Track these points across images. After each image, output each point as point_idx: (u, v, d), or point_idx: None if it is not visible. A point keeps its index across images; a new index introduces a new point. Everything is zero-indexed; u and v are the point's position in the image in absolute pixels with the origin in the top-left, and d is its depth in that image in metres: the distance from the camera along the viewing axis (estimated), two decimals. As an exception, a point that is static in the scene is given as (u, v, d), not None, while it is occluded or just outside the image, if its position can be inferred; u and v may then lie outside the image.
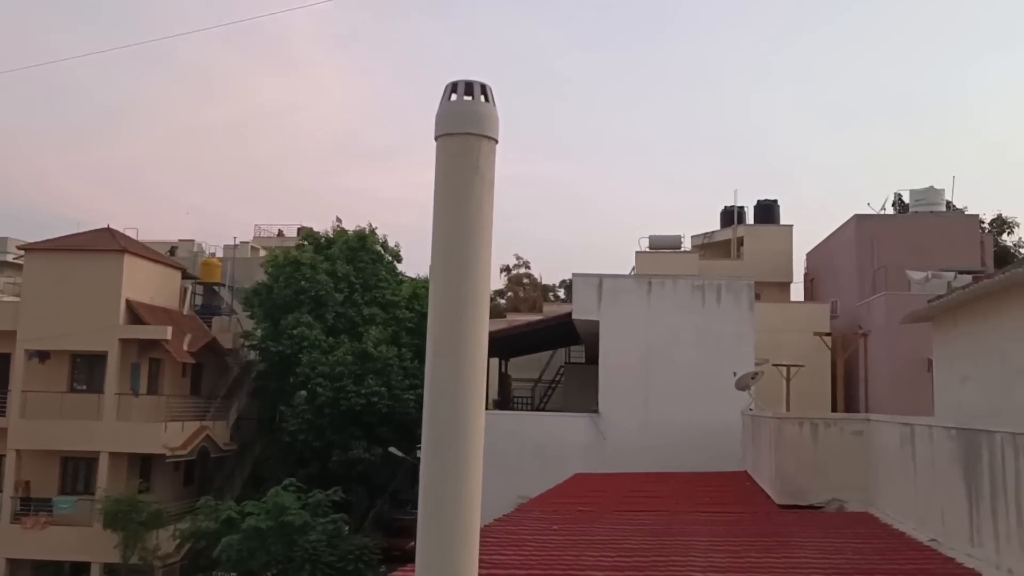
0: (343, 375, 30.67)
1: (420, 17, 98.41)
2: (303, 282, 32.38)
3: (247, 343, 34.64)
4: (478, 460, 2.47)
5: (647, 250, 33.66)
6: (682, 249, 34.72)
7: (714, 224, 37.76)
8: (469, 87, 2.61)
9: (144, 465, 30.23)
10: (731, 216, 35.75)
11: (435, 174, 2.59)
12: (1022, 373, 9.46)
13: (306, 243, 35.53)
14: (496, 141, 2.63)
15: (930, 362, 14.98)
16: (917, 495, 9.50)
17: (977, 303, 11.88)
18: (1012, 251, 35.28)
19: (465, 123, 2.58)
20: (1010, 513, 6.77)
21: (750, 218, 35.90)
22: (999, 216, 37.86)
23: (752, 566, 8.15)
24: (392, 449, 29.37)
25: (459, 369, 2.47)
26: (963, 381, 12.59)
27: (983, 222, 33.80)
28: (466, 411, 2.47)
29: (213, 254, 39.84)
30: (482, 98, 2.62)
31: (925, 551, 8.52)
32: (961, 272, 21.64)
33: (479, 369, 2.52)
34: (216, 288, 38.11)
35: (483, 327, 2.50)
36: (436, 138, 2.63)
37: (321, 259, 33.51)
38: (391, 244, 36.40)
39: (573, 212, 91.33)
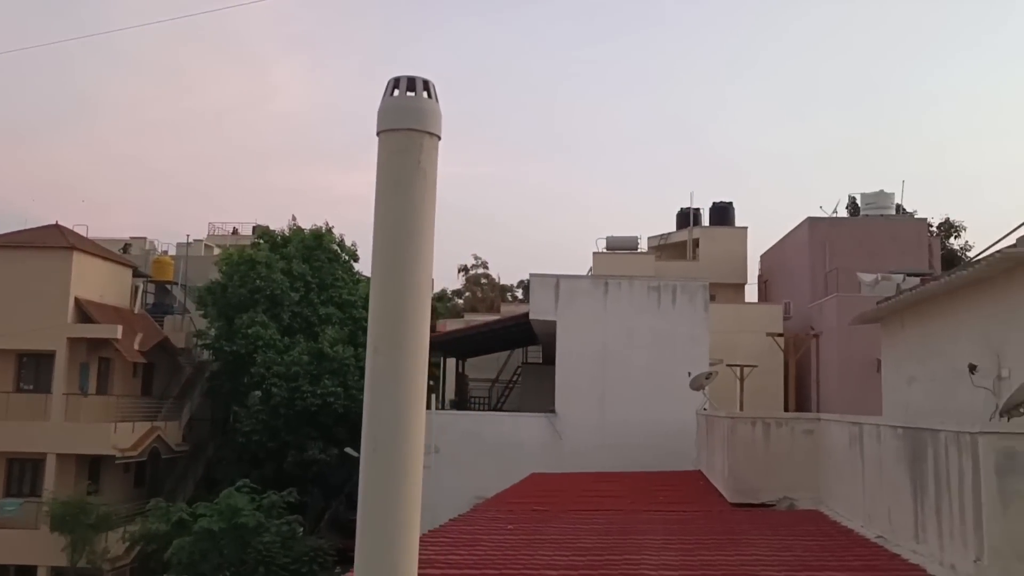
0: (299, 375, 30.40)
1: (380, 14, 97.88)
2: (258, 281, 32.01)
3: (200, 342, 34.15)
4: (418, 459, 2.44)
5: (604, 251, 33.86)
6: (639, 250, 35.01)
7: (670, 226, 38.13)
8: (411, 83, 2.58)
9: (93, 466, 29.62)
10: (687, 218, 36.12)
11: (376, 170, 2.56)
12: (965, 374, 9.67)
13: (261, 241, 35.13)
14: (439, 138, 2.60)
15: (879, 362, 15.27)
16: (865, 493, 9.67)
17: (923, 305, 12.14)
18: (959, 254, 36.13)
19: (407, 119, 2.55)
20: (953, 510, 6.92)
21: (706, 220, 36.30)
22: (947, 220, 38.83)
23: (704, 564, 8.24)
24: (348, 450, 29.15)
25: (400, 366, 2.44)
26: (910, 381, 12.85)
27: (931, 226, 34.60)
28: (406, 409, 2.44)
29: (166, 252, 39.21)
30: (425, 94, 2.59)
31: (872, 548, 8.67)
32: (909, 275, 22.09)
33: (420, 367, 2.49)
34: (168, 286, 37.51)
35: (424, 324, 2.48)
36: (378, 134, 2.59)
37: (277, 258, 33.17)
38: (348, 243, 36.18)
39: (531, 213, 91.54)
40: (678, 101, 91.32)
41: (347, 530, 30.51)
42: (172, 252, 39.11)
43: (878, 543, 8.75)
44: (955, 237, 38.74)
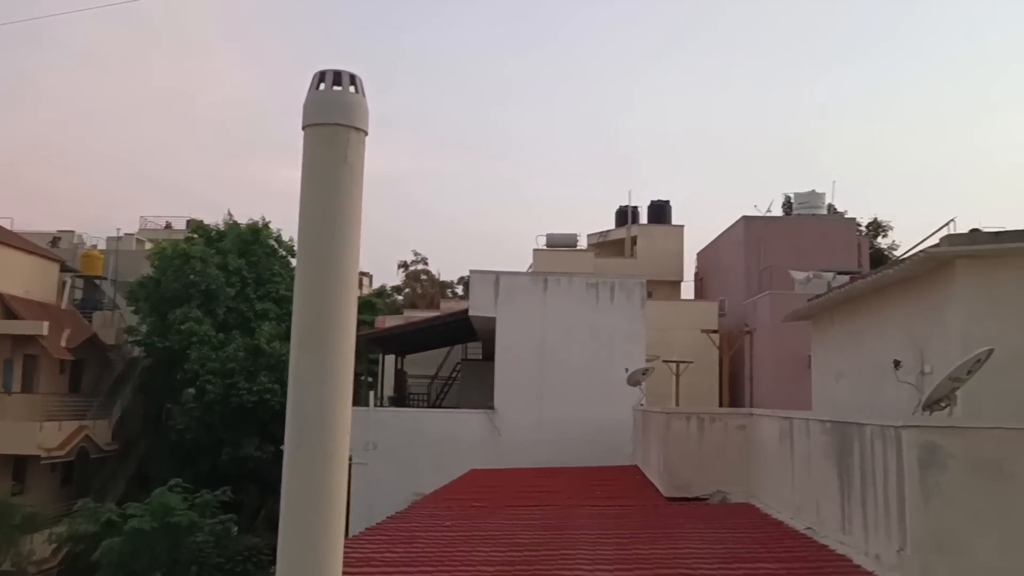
0: (234, 371, 29.93)
1: (320, 5, 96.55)
2: (192, 276, 31.39)
3: (131, 339, 33.37)
4: (343, 458, 2.40)
5: (544, 248, 34.02)
6: (578, 247, 35.24)
7: (609, 223, 38.48)
8: (338, 77, 2.53)
9: (18, 467, 28.70)
10: (625, 216, 36.50)
11: (302, 165, 2.51)
12: (891, 370, 9.96)
13: (196, 236, 34.46)
14: (366, 132, 2.56)
15: (810, 359, 15.63)
16: (794, 486, 9.90)
17: (851, 303, 12.46)
18: (886, 253, 37.24)
19: (333, 113, 2.50)
20: (878, 502, 7.12)
21: (644, 218, 36.74)
22: (875, 220, 40.02)
23: (639, 558, 8.33)
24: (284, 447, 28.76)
25: (325, 364, 2.40)
26: (838, 377, 13.18)
27: (860, 225, 35.58)
28: (331, 408, 2.40)
29: (95, 246, 38.18)
30: (351, 88, 2.55)
31: (801, 539, 8.88)
32: (839, 273, 22.68)
33: (346, 365, 2.45)
34: (97, 282, 36.55)
35: (350, 322, 2.44)
36: (304, 128, 2.54)
37: (212, 252, 32.57)
38: (286, 238, 35.71)
39: (472, 209, 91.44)
40: (616, 99, 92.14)
41: (284, 528, 30.09)
42: (102, 246, 38.10)
43: (807, 535, 8.96)
44: (883, 236, 39.96)
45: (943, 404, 7.41)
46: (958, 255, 8.77)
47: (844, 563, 7.59)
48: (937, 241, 9.24)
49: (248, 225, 34.81)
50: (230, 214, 36.09)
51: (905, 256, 12.67)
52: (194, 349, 30.34)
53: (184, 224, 40.97)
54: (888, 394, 10.20)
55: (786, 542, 8.86)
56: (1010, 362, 7.82)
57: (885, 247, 38.86)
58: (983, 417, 7.37)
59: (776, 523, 10.06)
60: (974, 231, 11.32)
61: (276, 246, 35.26)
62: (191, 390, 30.17)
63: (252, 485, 30.66)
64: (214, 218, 37.05)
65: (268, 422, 30.17)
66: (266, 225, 35.13)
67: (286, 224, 37.16)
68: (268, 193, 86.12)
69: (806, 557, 8.04)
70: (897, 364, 9.68)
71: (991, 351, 7.31)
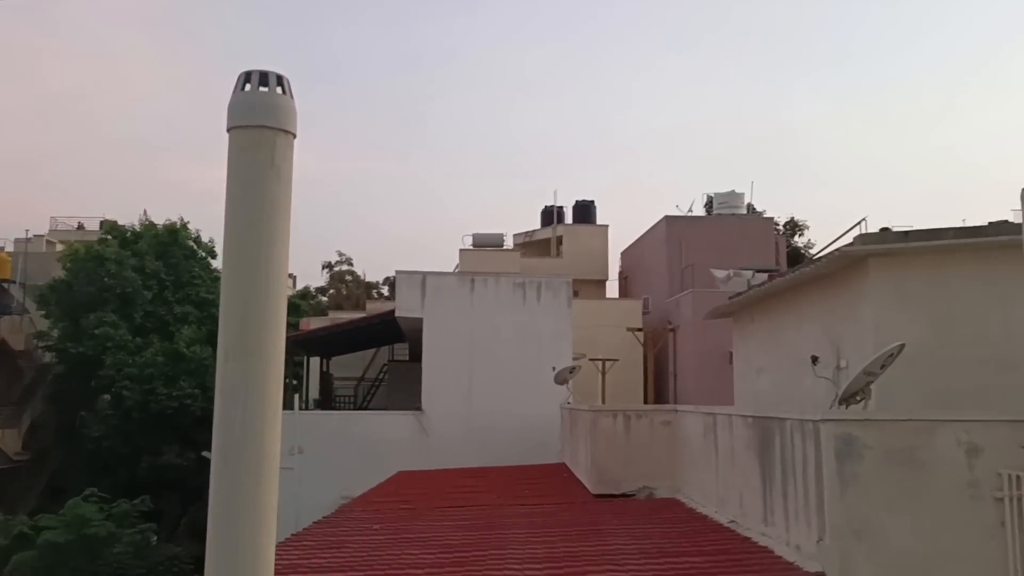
0: (153, 377, 29.09)
1: (241, 3, 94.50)
2: (107, 279, 30.40)
3: (42, 344, 32.12)
4: (274, 473, 2.31)
5: (471, 248, 34.01)
6: (504, 247, 35.35)
7: (535, 223, 38.72)
8: (264, 77, 2.47)
9: (-81, 480, 27.36)
10: (551, 216, 36.76)
11: (227, 168, 2.43)
12: (808, 365, 10.27)
13: (110, 237, 33.38)
14: (294, 135, 2.49)
15: (731, 355, 15.99)
16: (718, 480, 10.12)
17: (770, 300, 12.81)
18: (802, 251, 38.41)
19: (260, 115, 2.44)
20: (798, 493, 7.34)
21: (569, 218, 37.07)
22: (792, 219, 41.27)
23: (568, 555, 8.40)
24: (206, 453, 28.07)
25: (253, 374, 2.33)
26: (759, 372, 13.53)
27: (778, 224, 36.60)
28: (261, 419, 2.33)
29: (2, 248, 36.65)
30: (278, 89, 2.48)
31: (724, 532, 9.09)
32: (758, 271, 23.24)
33: (275, 374, 2.39)
34: (5, 285, 35.07)
35: (280, 330, 2.37)
36: (228, 130, 2.47)
37: (128, 254, 31.60)
38: (205, 239, 34.87)
39: (398, 210, 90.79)
40: (540, 98, 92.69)
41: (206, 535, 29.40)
42: (9, 248, 36.58)
43: (730, 527, 9.17)
44: (799, 235, 41.24)
45: (859, 397, 7.68)
46: (870, 253, 9.09)
47: (766, 554, 7.79)
48: (851, 240, 9.56)
49: (165, 226, 33.89)
50: (146, 215, 35.11)
51: (821, 255, 13.07)
52: (109, 355, 29.40)
53: (97, 225, 39.65)
54: (806, 388, 10.51)
55: (710, 535, 9.05)
56: (919, 355, 8.14)
57: (801, 246, 40.10)
58: (895, 409, 7.66)
59: (701, 517, 10.27)
60: (884, 230, 11.76)
61: (195, 247, 34.40)
62: (107, 397, 29.22)
63: (173, 493, 29.88)
64: (129, 219, 35.98)
65: (189, 428, 29.42)
66: (184, 226, 34.25)
67: (206, 225, 36.36)
68: (186, 194, 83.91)
69: (730, 550, 8.23)
70: (815, 359, 9.99)
71: (903, 346, 7.61)
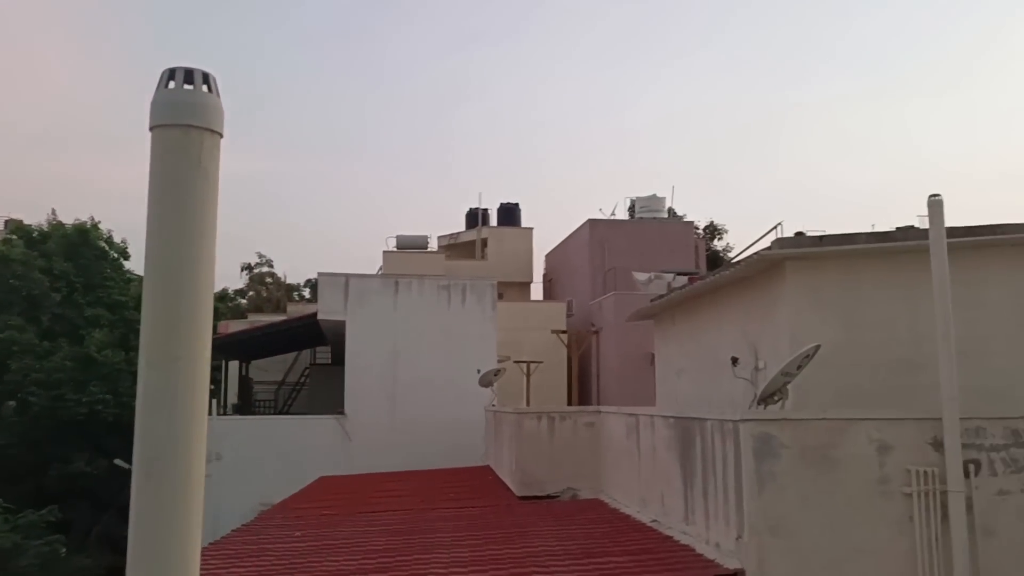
0: (62, 382, 28.00)
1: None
2: (12, 280, 29.14)
3: (-60, 349, 30.57)
4: (199, 485, 2.22)
5: (394, 250, 33.80)
6: (429, 249, 35.24)
7: (460, 225, 38.70)
8: (189, 75, 2.38)
9: None
10: (476, 218, 36.81)
11: (150, 169, 2.33)
12: (728, 366, 10.50)
13: (15, 237, 32.00)
14: (221, 135, 2.41)
15: (653, 356, 16.25)
16: (640, 480, 10.27)
17: (691, 303, 13.06)
18: (721, 255, 39.34)
19: (185, 114, 2.35)
20: (718, 492, 7.50)
21: (494, 220, 37.17)
22: (711, 223, 42.26)
23: (493, 558, 8.40)
24: (118, 461, 27.18)
25: (177, 382, 2.25)
26: (679, 373, 13.78)
27: (698, 228, 37.42)
28: (185, 429, 2.25)
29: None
30: (204, 88, 2.40)
31: (647, 531, 9.23)
32: (679, 274, 23.72)
33: (201, 382, 2.31)
34: (-99, 286, 33.21)
35: (206, 336, 2.28)
36: (151, 129, 2.37)
37: (35, 255, 30.35)
38: (117, 240, 33.75)
39: (320, 210, 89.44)
40: (465, 100, 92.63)
41: (119, 546, 28.33)
42: (-96, 248, 34.65)
43: (653, 527, 9.31)
44: (718, 239, 42.24)
45: (776, 398, 7.89)
46: (787, 257, 9.35)
47: (687, 552, 7.94)
48: (768, 244, 9.82)
49: (75, 226, 32.65)
50: (54, 214, 33.77)
51: (739, 258, 13.39)
52: (15, 359, 28.21)
53: (1, 224, 37.95)
54: (725, 389, 10.75)
55: (633, 535, 9.17)
56: (833, 356, 8.41)
57: (720, 249, 41.07)
58: (811, 408, 7.90)
59: (624, 517, 10.40)
60: (799, 234, 12.11)
61: (107, 248, 33.26)
62: (12, 403, 28.00)
63: (83, 502, 28.81)
64: (36, 218, 34.58)
65: (101, 435, 28.43)
66: (95, 226, 33.07)
67: (118, 225, 35.22)
68: (98, 193, 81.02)
69: (652, 548, 8.36)
70: (734, 361, 10.22)
71: (818, 347, 7.85)
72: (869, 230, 9.67)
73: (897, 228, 9.96)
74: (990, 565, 6.66)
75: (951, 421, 6.66)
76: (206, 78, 2.40)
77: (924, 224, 7.19)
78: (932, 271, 6.81)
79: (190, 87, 2.39)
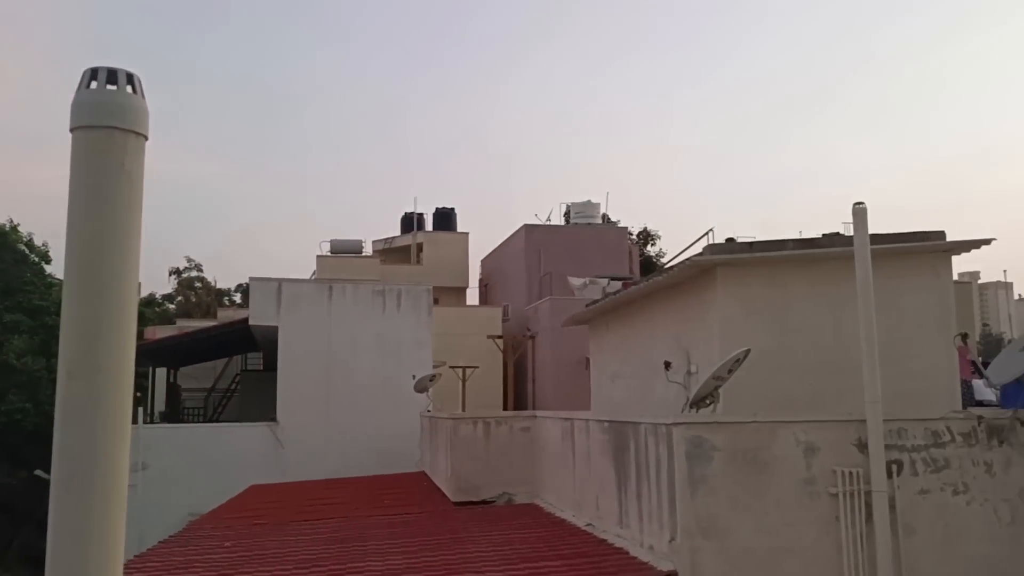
0: (-23, 391, 26.96)
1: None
2: (-75, 284, 27.95)
3: None
4: (121, 499, 2.14)
5: (328, 255, 33.42)
6: (363, 254, 34.94)
7: (395, 230, 38.46)
8: (113, 75, 2.30)
9: None
10: (411, 223, 36.63)
11: (71, 172, 2.24)
12: (661, 370, 10.64)
13: (-71, 239, 30.70)
14: (146, 138, 2.33)
15: (588, 361, 16.38)
16: (575, 484, 10.33)
17: (625, 307, 13.21)
18: (654, 260, 39.88)
19: (108, 115, 2.27)
20: (651, 495, 7.59)
21: (430, 225, 37.04)
22: (645, 229, 42.84)
23: (428, 565, 8.35)
24: (39, 472, 26.25)
25: (99, 393, 2.16)
26: (614, 378, 13.91)
27: (632, 234, 37.88)
28: (108, 442, 2.16)
29: None
30: (129, 88, 2.32)
31: (582, 535, 9.28)
32: (613, 279, 23.97)
33: (124, 393, 2.21)
34: None
35: (129, 345, 2.19)
36: (72, 130, 2.28)
37: (-51, 258, 29.17)
38: (39, 243, 32.64)
39: (252, 214, 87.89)
40: (401, 105, 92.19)
41: (39, 561, 27.34)
42: None
43: (587, 530, 9.37)
44: (651, 245, 42.82)
45: (708, 401, 8.02)
46: (718, 263, 9.53)
47: (621, 555, 8.00)
48: (700, 250, 9.99)
49: (-7, 228, 31.49)
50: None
51: (672, 264, 13.58)
52: (-72, 367, 27.07)
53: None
54: (659, 393, 10.88)
55: (568, 539, 9.21)
56: (762, 360, 8.59)
57: (653, 255, 41.64)
58: (741, 412, 8.05)
59: (559, 521, 10.44)
60: (730, 241, 12.36)
61: (27, 252, 32.14)
62: (-76, 413, 26.83)
63: (1, 516, 27.74)
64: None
65: (20, 445, 27.41)
66: (15, 228, 31.93)
67: (39, 228, 34.04)
68: (18, 194, 78.18)
69: (587, 552, 8.40)
70: (667, 365, 10.36)
71: (748, 351, 8.01)
72: (797, 236, 9.91)
73: (823, 235, 10.23)
74: (911, 562, 6.87)
75: (874, 423, 6.86)
76: (130, 78, 2.31)
77: (849, 231, 7.40)
78: (856, 277, 7.00)
79: (113, 87, 2.30)
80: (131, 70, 2.27)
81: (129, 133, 2.29)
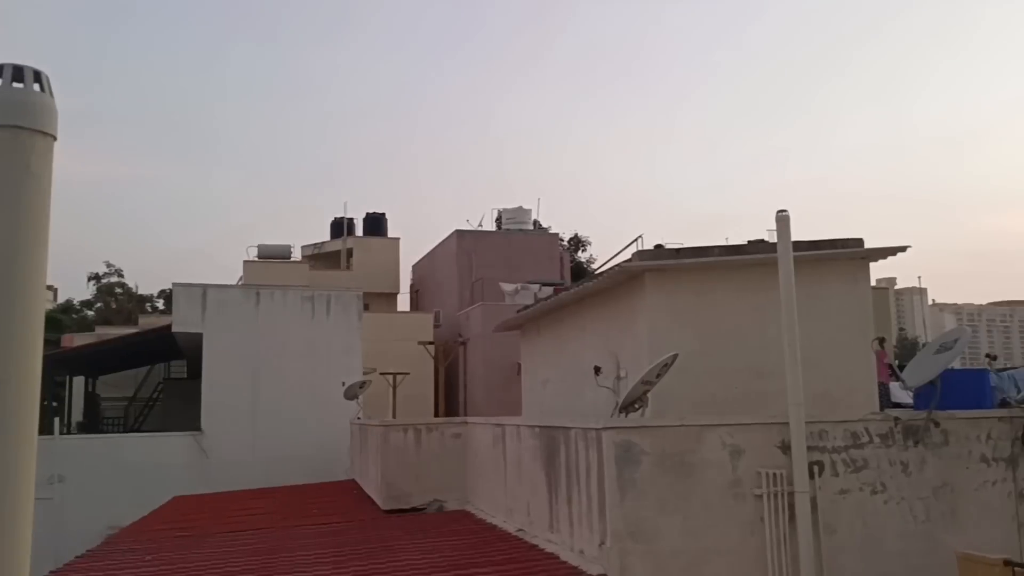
0: None
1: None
2: None
3: None
4: (27, 515, 2.03)
5: (256, 260, 32.84)
6: (292, 259, 34.43)
7: (324, 235, 38.00)
8: (19, 72, 2.15)
9: None
10: (341, 228, 36.23)
11: None
12: (591, 375, 10.73)
13: None
14: (54, 138, 2.19)
15: (520, 366, 16.41)
16: (507, 490, 10.33)
17: (556, 313, 13.28)
18: (585, 266, 40.24)
19: (13, 115, 2.13)
20: (582, 499, 7.63)
21: (360, 230, 36.70)
22: (575, 236, 43.22)
23: (357, 574, 8.25)
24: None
25: (3, 404, 1.99)
26: (545, 383, 13.97)
27: (563, 240, 38.15)
28: (12, 455, 2.00)
29: None
30: (36, 86, 2.19)
31: (513, 541, 9.28)
32: (544, 285, 24.10)
33: (30, 403, 2.09)
34: None
35: (35, 354, 2.07)
36: None
37: None
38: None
39: (176, 219, 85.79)
40: (332, 109, 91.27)
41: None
42: None
43: (519, 536, 9.37)
44: (582, 251, 43.22)
45: (637, 406, 8.11)
46: (647, 269, 9.65)
47: (552, 560, 8.03)
48: (629, 257, 10.10)
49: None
50: None
51: (602, 270, 13.72)
52: None
53: None
54: (589, 398, 10.96)
55: (499, 545, 9.20)
56: (689, 365, 8.73)
57: (584, 260, 42.01)
58: (669, 415, 8.15)
59: (490, 527, 10.42)
60: (659, 247, 12.55)
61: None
62: None
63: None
64: None
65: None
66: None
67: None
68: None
69: (518, 558, 8.40)
70: (597, 370, 10.44)
71: (676, 356, 8.12)
72: (723, 243, 10.11)
73: (748, 242, 10.45)
74: (832, 561, 7.05)
75: (797, 425, 7.02)
76: (38, 76, 2.16)
77: (773, 238, 7.56)
78: (779, 283, 7.17)
79: (19, 85, 2.16)
80: (38, 67, 2.16)
81: (36, 133, 2.14)
